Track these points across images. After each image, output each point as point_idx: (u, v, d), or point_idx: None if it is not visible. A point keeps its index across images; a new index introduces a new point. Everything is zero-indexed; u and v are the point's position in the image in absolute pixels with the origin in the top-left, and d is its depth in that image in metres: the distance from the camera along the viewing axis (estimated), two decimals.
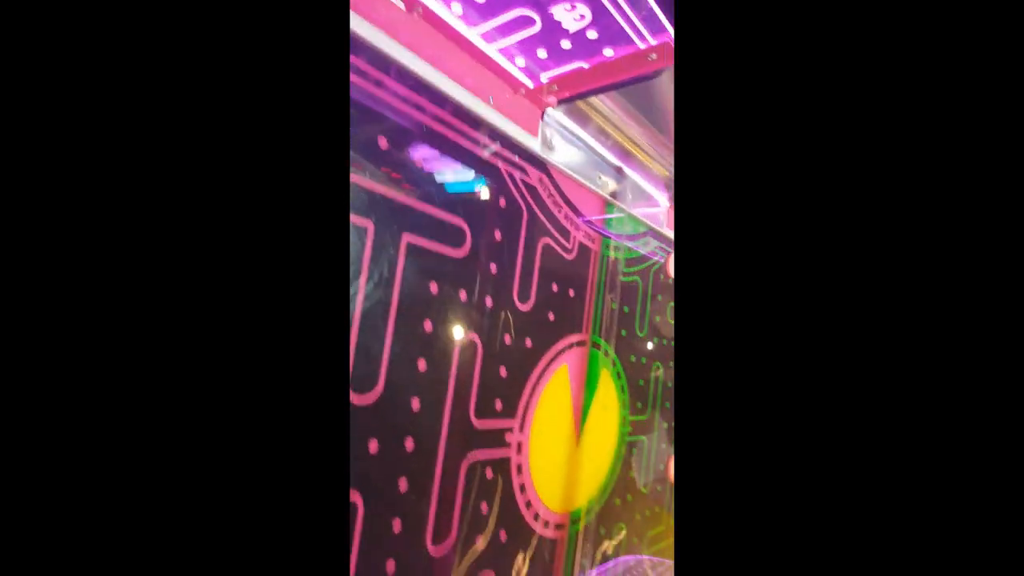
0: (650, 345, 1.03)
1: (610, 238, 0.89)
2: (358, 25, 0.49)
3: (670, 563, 1.14)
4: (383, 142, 0.53)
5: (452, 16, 0.52)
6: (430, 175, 0.58)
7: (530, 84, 0.63)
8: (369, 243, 0.51)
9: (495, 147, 0.64)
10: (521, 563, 0.75)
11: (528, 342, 0.73)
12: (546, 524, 0.79)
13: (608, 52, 0.55)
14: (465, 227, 0.62)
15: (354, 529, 0.52)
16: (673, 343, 1.10)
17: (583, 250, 0.83)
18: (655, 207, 0.98)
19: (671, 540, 1.16)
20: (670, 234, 1.04)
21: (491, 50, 0.56)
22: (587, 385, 0.85)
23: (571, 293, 0.81)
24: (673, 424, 1.15)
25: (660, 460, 1.13)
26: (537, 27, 0.52)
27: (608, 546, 0.93)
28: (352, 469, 0.52)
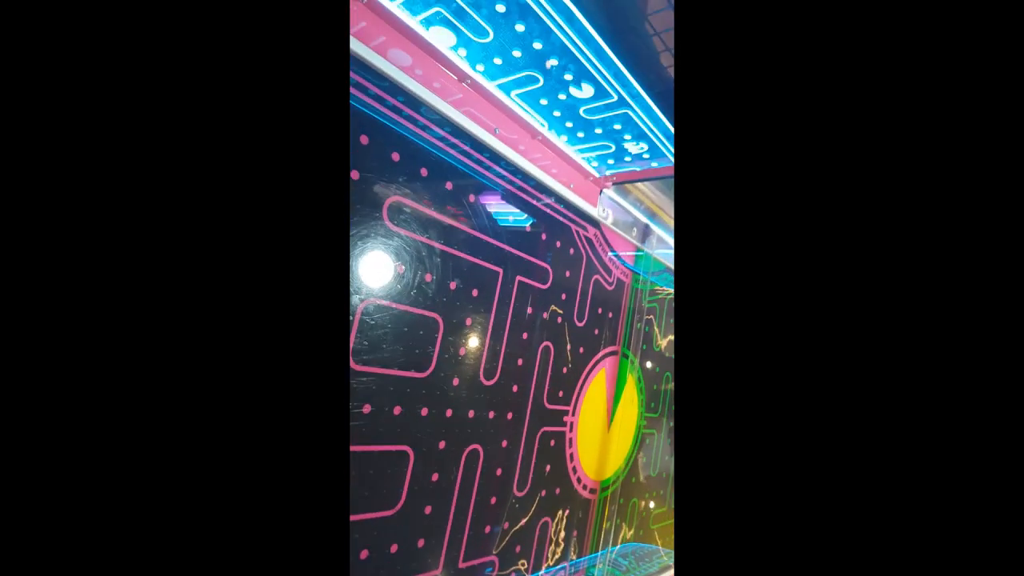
0: (663, 357, 1.31)
1: (639, 274, 1.17)
2: (499, 143, 0.78)
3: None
4: (503, 216, 0.81)
5: (560, 141, 0.81)
6: (530, 235, 0.86)
7: (597, 175, 0.92)
8: (499, 282, 0.79)
9: (550, 201, 0.92)
10: (564, 515, 1.02)
11: (581, 349, 1.00)
12: (584, 487, 1.05)
13: (654, 164, 0.84)
14: (549, 268, 0.90)
15: (476, 474, 0.79)
16: None
17: (620, 283, 1.11)
18: (671, 249, 1.27)
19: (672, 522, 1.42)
20: None
21: (579, 158, 0.85)
22: (617, 385, 1.12)
23: (610, 315, 1.09)
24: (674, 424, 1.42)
25: (666, 452, 1.40)
26: (612, 150, 0.81)
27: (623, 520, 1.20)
28: (476, 429, 0.79)
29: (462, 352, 0.75)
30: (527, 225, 0.85)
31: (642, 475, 1.26)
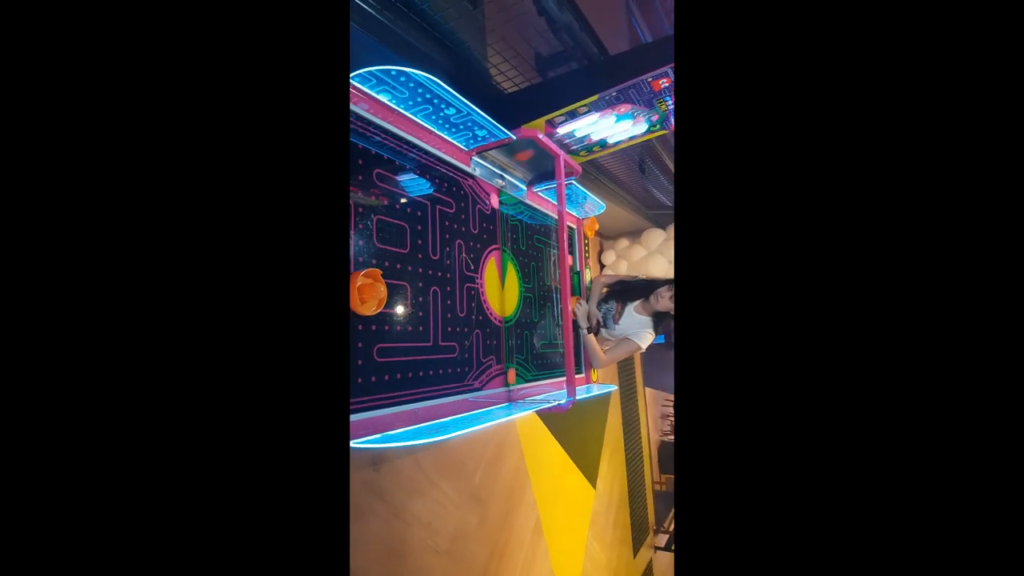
0: (528, 252, 2.23)
1: (504, 203, 2.06)
2: (416, 139, 1.60)
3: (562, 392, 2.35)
4: (418, 178, 1.64)
5: (444, 134, 1.65)
6: (439, 186, 1.70)
7: (466, 149, 1.78)
8: (428, 209, 1.62)
9: (445, 168, 1.76)
10: (486, 333, 1.88)
11: (477, 246, 1.87)
12: (495, 318, 1.93)
13: (492, 141, 1.72)
14: (453, 202, 1.75)
15: (440, 300, 1.62)
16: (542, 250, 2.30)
17: (494, 211, 1.99)
18: (520, 189, 2.17)
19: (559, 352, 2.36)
20: (529, 202, 2.25)
21: (455, 142, 1.70)
22: (502, 265, 2.01)
23: (491, 227, 1.96)
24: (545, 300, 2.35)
25: (546, 314, 2.33)
26: (470, 136, 1.67)
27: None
28: (435, 279, 1.62)
29: (419, 242, 1.58)
30: (436, 185, 1.69)
31: (530, 318, 2.18)
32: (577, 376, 2.55)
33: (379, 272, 1.32)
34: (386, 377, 1.36)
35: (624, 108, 1.71)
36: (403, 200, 1.52)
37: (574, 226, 2.75)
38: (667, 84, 1.57)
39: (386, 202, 1.45)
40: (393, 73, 1.27)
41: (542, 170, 2.20)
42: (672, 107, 1.70)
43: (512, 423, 2.97)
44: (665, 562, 5.21)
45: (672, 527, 5.17)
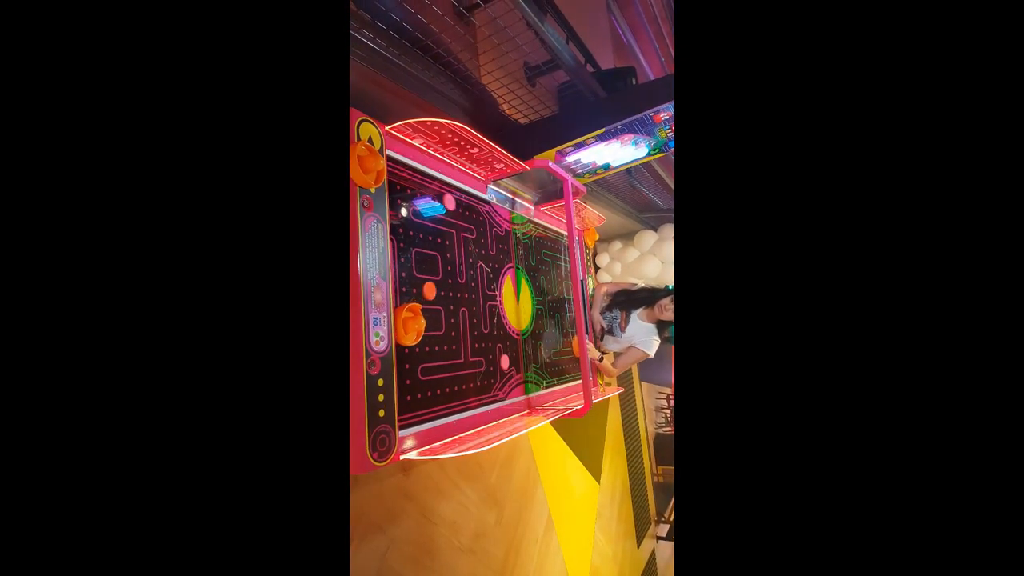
0: (538, 267, 2.39)
1: (515, 225, 2.22)
2: (443, 175, 1.74)
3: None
4: (449, 201, 1.79)
5: (466, 167, 1.80)
6: (460, 212, 1.85)
7: (483, 178, 1.93)
8: (454, 236, 1.77)
9: (463, 196, 1.92)
10: (505, 346, 2.04)
11: (495, 265, 2.03)
12: (512, 331, 2.09)
13: (506, 168, 1.87)
14: (473, 228, 1.90)
15: (467, 319, 1.77)
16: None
17: (507, 231, 2.15)
18: (527, 211, 2.33)
19: (568, 359, 2.53)
20: (536, 220, 2.41)
21: (481, 176, 1.85)
22: (517, 282, 2.17)
23: (504, 247, 2.12)
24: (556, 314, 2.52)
25: (552, 325, 2.50)
26: (502, 167, 1.82)
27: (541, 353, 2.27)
28: (463, 301, 1.77)
29: (449, 268, 1.73)
30: (449, 211, 1.84)
31: (542, 330, 2.34)
32: None
33: (419, 307, 1.46)
34: (428, 394, 1.51)
35: (627, 138, 1.88)
36: (434, 231, 1.67)
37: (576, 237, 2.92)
38: (667, 117, 1.75)
39: (422, 236, 1.60)
40: (429, 123, 1.42)
41: (549, 190, 2.36)
42: (671, 135, 1.87)
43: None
44: (667, 552, 5.44)
45: (672, 517, 5.39)
